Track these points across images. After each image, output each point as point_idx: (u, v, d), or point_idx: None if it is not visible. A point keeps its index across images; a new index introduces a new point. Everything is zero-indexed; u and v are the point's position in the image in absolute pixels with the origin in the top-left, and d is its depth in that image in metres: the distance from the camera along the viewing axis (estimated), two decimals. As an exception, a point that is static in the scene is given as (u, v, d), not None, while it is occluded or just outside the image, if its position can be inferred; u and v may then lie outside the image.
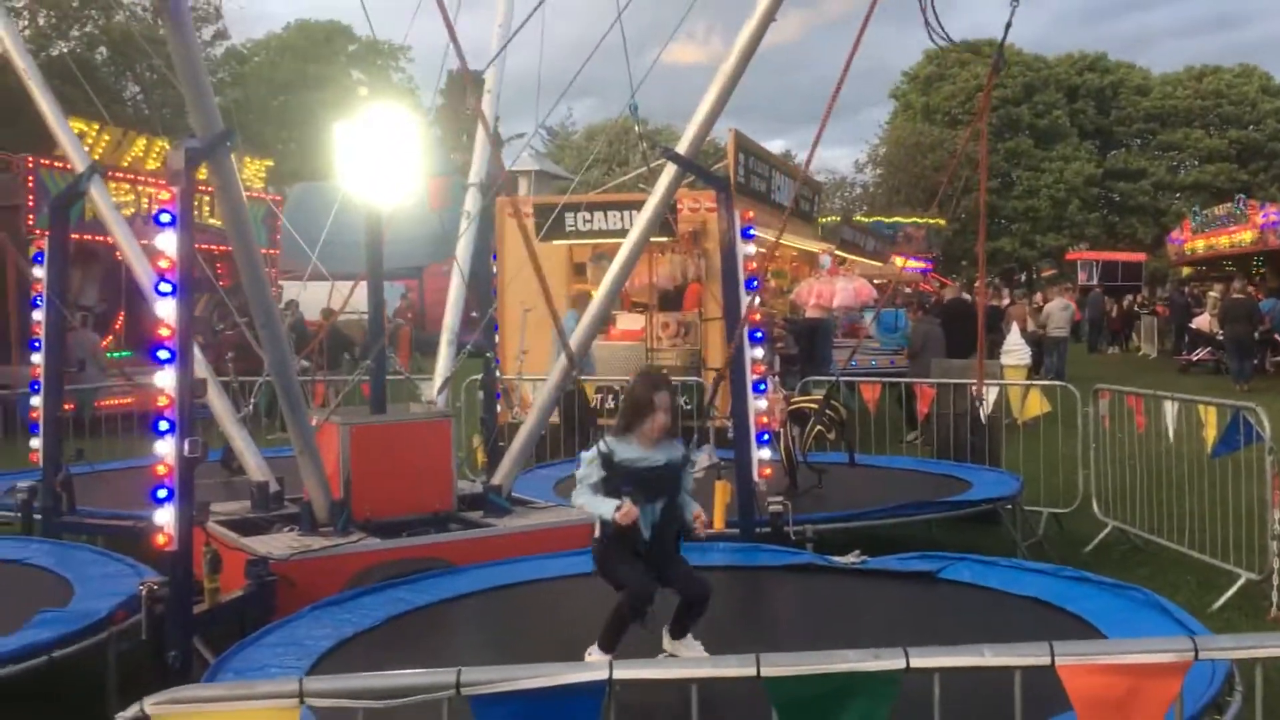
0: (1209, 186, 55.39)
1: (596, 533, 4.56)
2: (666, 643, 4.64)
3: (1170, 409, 8.22)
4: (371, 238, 6.78)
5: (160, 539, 5.04)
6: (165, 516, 5.01)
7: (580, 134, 57.56)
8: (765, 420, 6.99)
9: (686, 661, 3.61)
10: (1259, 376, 21.46)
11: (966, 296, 21.51)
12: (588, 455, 4.55)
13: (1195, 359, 24.85)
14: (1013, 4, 5.85)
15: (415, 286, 31.14)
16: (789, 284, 17.97)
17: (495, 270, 11.48)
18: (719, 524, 6.86)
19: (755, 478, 6.83)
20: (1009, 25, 6.00)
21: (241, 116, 35.26)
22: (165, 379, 4.98)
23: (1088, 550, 8.38)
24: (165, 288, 5.01)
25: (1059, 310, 23.07)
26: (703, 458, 8.69)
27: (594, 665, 2.58)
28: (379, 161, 6.46)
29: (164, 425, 4.97)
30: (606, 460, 4.46)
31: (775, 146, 57.12)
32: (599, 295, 7.02)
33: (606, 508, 4.40)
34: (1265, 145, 58.26)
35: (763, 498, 6.85)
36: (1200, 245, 30.23)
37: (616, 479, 4.43)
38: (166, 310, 5.01)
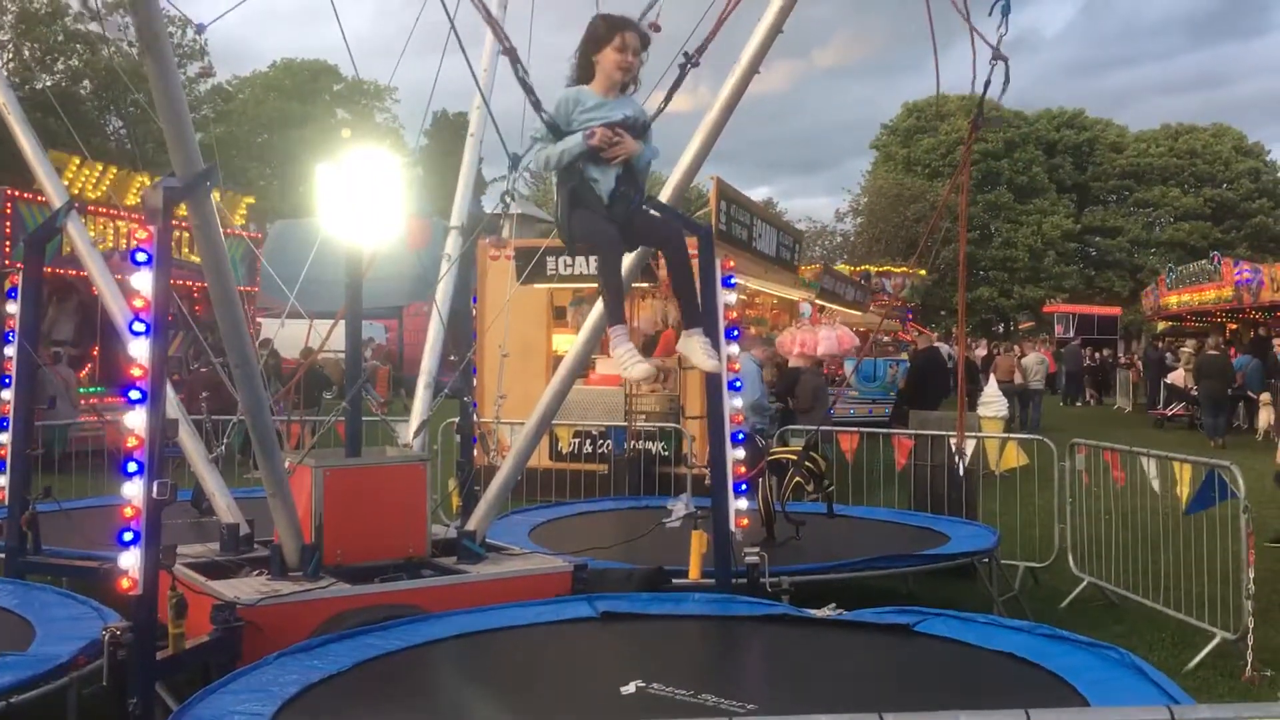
0: (1183, 244, 56.13)
1: (556, 196, 4.45)
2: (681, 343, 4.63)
3: (1146, 465, 8.24)
4: (351, 278, 6.75)
5: (124, 583, 4.95)
6: (130, 560, 4.91)
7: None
8: (743, 470, 6.96)
9: None
10: (1232, 433, 21.64)
11: (941, 346, 21.67)
12: (545, 114, 4.40)
13: (1170, 414, 25.02)
14: (991, 62, 5.89)
15: (395, 326, 31.10)
16: (769, 332, 18.01)
17: (475, 313, 11.45)
18: (695, 574, 6.81)
19: (732, 527, 6.78)
20: (988, 83, 6.03)
21: (224, 153, 35.33)
22: (135, 420, 4.91)
23: (1063, 606, 8.36)
24: (139, 327, 4.96)
25: (1035, 364, 23.41)
26: (679, 506, 8.67)
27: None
28: (360, 202, 6.44)
29: (132, 467, 4.90)
30: (552, 126, 4.31)
31: (759, 194, 57.75)
32: (579, 340, 6.99)
33: (574, 139, 4.24)
34: (1239, 205, 59.15)
35: (739, 548, 6.80)
36: (1175, 301, 30.55)
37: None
38: (139, 350, 4.96)
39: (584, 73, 4.38)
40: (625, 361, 4.45)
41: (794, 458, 8.90)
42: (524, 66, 4.65)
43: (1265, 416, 21.44)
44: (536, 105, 4.49)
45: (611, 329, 4.42)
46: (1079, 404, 32.83)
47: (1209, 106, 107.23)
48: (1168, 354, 29.11)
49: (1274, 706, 3.08)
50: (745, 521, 7.01)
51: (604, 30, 4.33)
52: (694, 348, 4.56)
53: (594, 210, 4.38)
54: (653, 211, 4.80)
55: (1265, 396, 21.55)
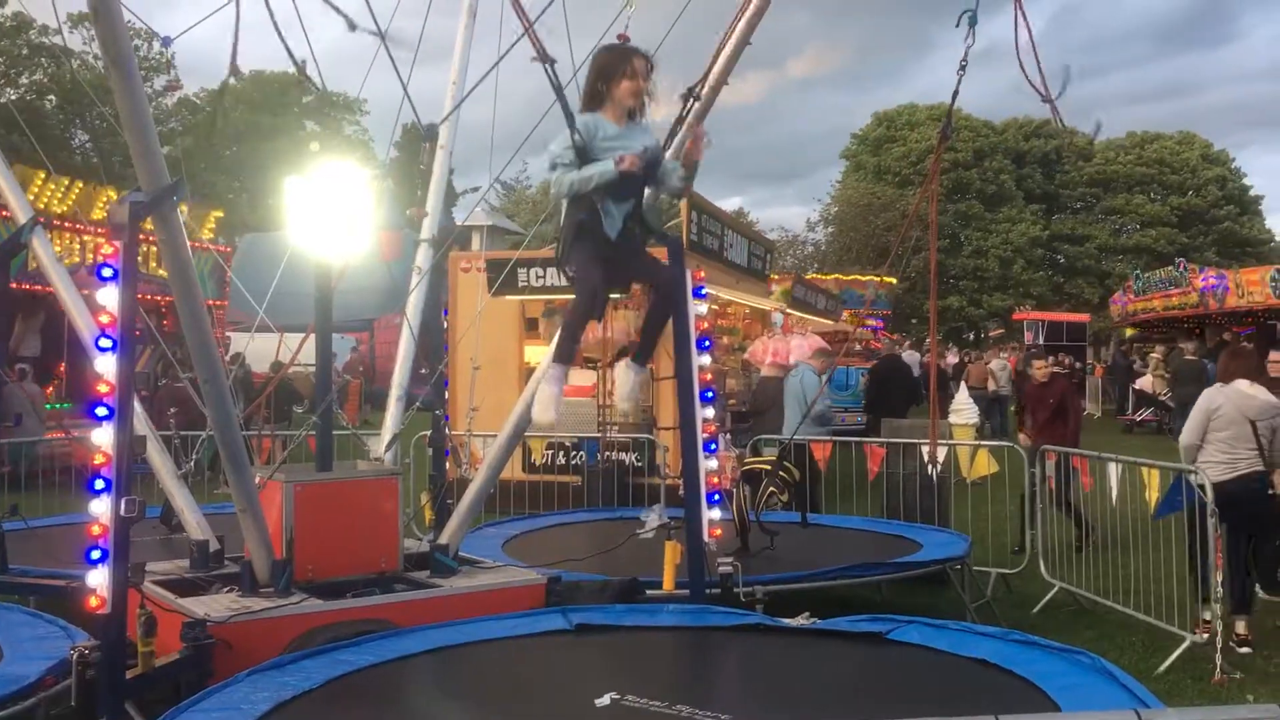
0: (1150, 250, 56.68)
1: (563, 220, 4.47)
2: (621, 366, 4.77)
3: (1115, 470, 8.31)
4: (321, 291, 6.72)
5: (93, 601, 4.90)
6: (98, 578, 4.87)
7: (536, 189, 57.81)
8: (716, 480, 6.96)
9: None
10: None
11: (913, 353, 21.77)
12: (559, 139, 4.39)
13: (1139, 419, 25.24)
14: (959, 72, 5.96)
15: (366, 339, 30.94)
16: (741, 341, 18.05)
17: (446, 326, 11.41)
18: (669, 585, 6.81)
19: (705, 538, 6.78)
20: (956, 93, 6.11)
21: (192, 166, 35.11)
22: (102, 437, 4.87)
23: (1035, 611, 8.41)
24: (105, 343, 4.92)
25: (999, 369, 23.65)
26: (653, 518, 8.67)
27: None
28: (329, 216, 6.42)
29: (100, 484, 4.85)
30: (581, 150, 4.33)
31: (732, 204, 57.79)
32: (550, 351, 6.98)
33: (605, 165, 4.26)
34: (1207, 212, 59.83)
35: (713, 558, 6.80)
36: (1142, 307, 30.86)
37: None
38: (106, 366, 4.91)
39: (594, 101, 4.40)
40: (542, 402, 4.51)
41: (768, 467, 8.92)
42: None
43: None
44: (570, 122, 4.45)
45: (553, 366, 4.48)
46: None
47: (1176, 115, 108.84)
48: (1136, 360, 29.37)
49: (1238, 709, 3.11)
50: (719, 532, 7.01)
51: (614, 60, 4.38)
52: (627, 379, 4.67)
53: (598, 246, 4.41)
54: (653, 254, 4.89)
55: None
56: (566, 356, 4.49)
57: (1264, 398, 7.66)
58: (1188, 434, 7.83)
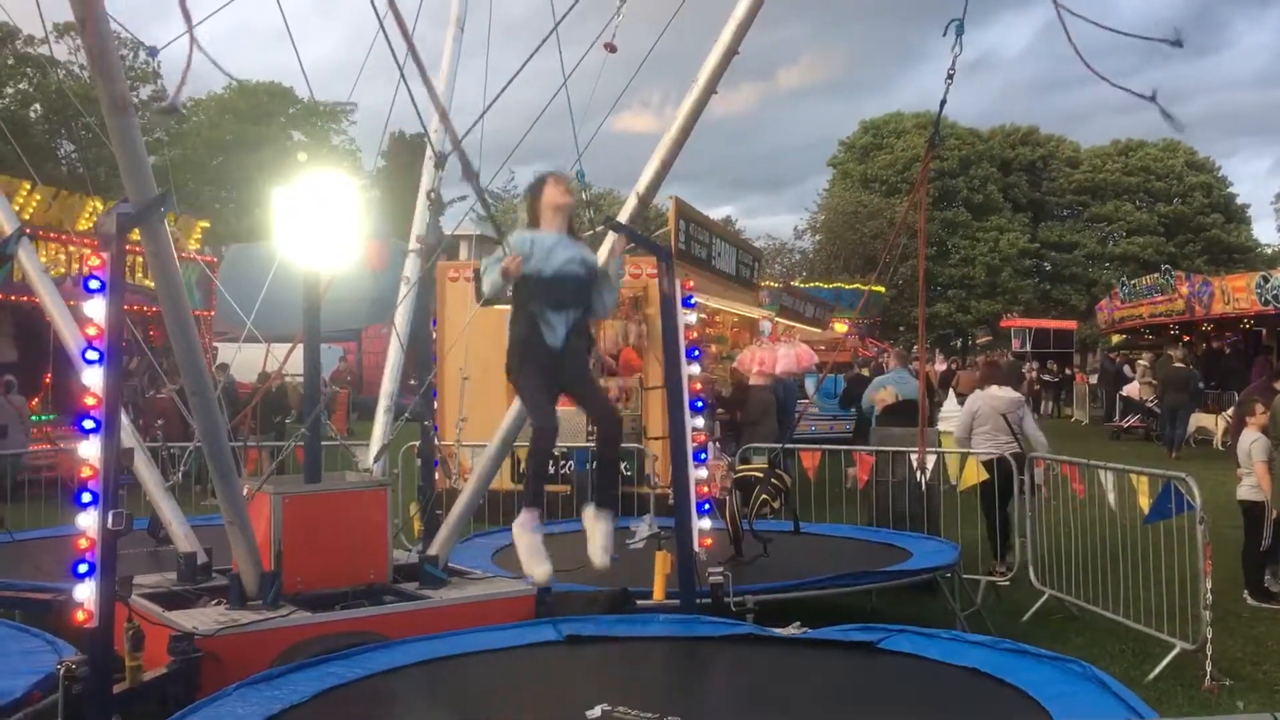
0: (1137, 258, 56.87)
1: (508, 334, 4.91)
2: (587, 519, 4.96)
3: (1103, 478, 8.33)
4: (309, 302, 6.70)
5: (80, 616, 4.86)
6: (85, 592, 4.83)
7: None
8: (705, 490, 6.94)
9: None
10: (1201, 445, 21.84)
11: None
12: (497, 254, 4.90)
13: (1126, 425, 25.32)
14: (947, 81, 5.97)
15: (354, 349, 30.88)
16: (729, 350, 18.05)
17: (435, 336, 11.39)
18: (659, 595, 6.79)
19: (696, 547, 6.77)
20: (944, 103, 6.12)
21: (179, 176, 35.02)
22: (89, 449, 4.84)
23: (1025, 619, 8.41)
24: (92, 355, 4.89)
25: (988, 378, 23.72)
26: (643, 527, 8.66)
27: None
28: (316, 226, 6.40)
29: (87, 497, 4.82)
30: (522, 247, 4.79)
31: (721, 213, 57.97)
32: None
33: (493, 272, 4.79)
34: (1193, 219, 60.07)
35: (703, 568, 6.79)
36: (1129, 314, 30.96)
37: (528, 284, 4.76)
38: (93, 379, 4.88)
39: (533, 217, 4.95)
40: (528, 555, 4.67)
41: (760, 475, 8.91)
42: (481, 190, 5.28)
43: (1222, 424, 21.74)
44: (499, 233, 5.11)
45: (526, 511, 4.61)
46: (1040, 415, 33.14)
47: (1162, 124, 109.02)
48: (1125, 366, 29.44)
49: (1229, 718, 3.11)
50: (709, 541, 7.00)
51: (536, 181, 5.01)
52: (597, 531, 4.82)
53: (542, 357, 4.75)
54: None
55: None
56: (536, 499, 4.78)
57: (1009, 396, 10.03)
58: (959, 430, 10.25)
